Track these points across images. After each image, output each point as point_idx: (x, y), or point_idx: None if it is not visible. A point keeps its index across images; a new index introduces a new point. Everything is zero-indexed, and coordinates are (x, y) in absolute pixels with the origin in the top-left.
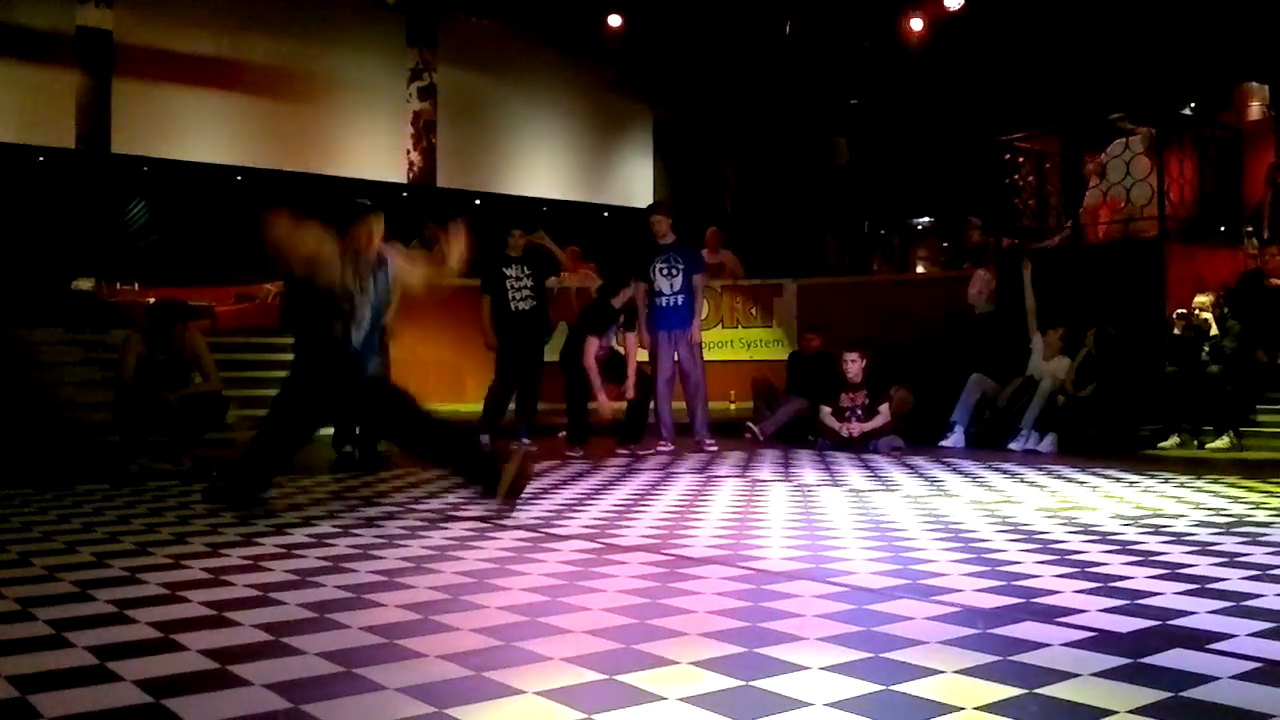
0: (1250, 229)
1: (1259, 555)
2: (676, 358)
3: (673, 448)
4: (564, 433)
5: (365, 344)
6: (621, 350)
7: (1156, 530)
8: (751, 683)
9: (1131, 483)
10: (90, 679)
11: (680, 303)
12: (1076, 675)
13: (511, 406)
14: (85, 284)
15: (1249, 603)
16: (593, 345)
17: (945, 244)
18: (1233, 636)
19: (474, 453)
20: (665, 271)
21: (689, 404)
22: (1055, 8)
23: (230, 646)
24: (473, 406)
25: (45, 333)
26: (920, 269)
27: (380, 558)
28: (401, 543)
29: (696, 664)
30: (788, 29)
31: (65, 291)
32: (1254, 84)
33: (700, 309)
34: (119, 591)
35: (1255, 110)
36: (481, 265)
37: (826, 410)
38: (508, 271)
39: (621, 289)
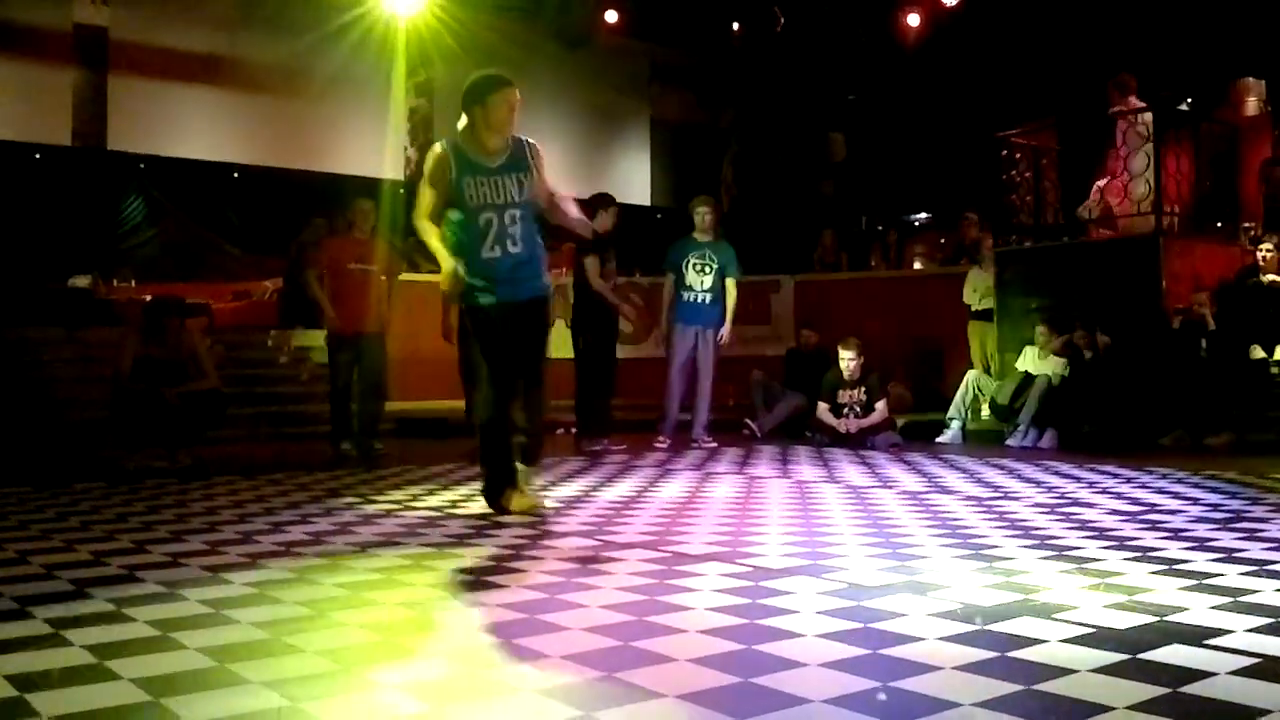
0: (1247, 225)
1: (1257, 551)
2: (694, 353)
3: (670, 442)
4: (574, 429)
5: (527, 259)
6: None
7: (1154, 526)
8: (750, 679)
9: (1129, 478)
10: (89, 677)
11: (708, 300)
12: (1075, 671)
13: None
14: (82, 281)
15: (1247, 598)
16: (594, 265)
17: (942, 240)
18: (1230, 632)
19: (508, 451)
20: (699, 267)
21: (696, 401)
22: (1051, 3)
23: (228, 644)
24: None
25: (42, 330)
26: (917, 265)
27: (378, 555)
28: (400, 540)
29: (695, 661)
30: (780, 23)
31: (62, 289)
32: (1250, 79)
33: (732, 310)
34: (117, 589)
35: (1252, 105)
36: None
37: (824, 407)
38: None
39: (599, 210)
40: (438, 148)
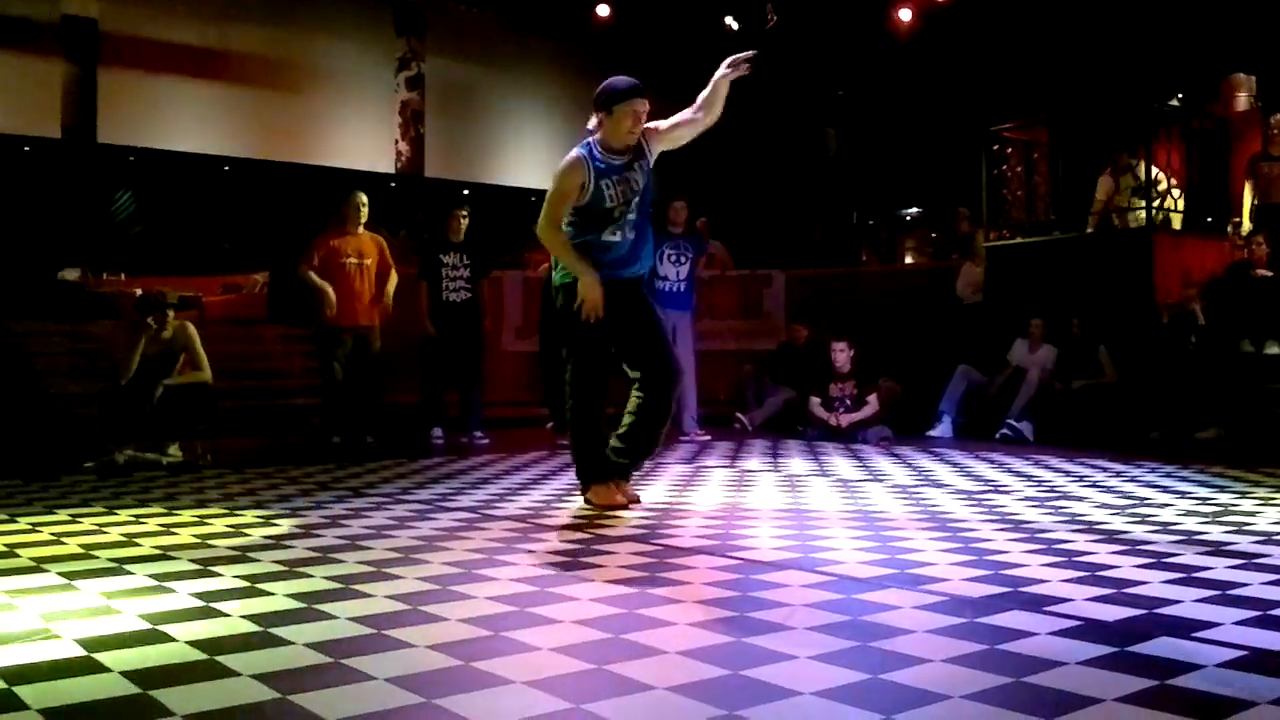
0: (1237, 220)
1: (1245, 544)
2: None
3: None
4: (551, 423)
5: (638, 244)
6: None
7: (1144, 519)
8: (740, 672)
9: (1119, 472)
10: (78, 670)
11: (683, 289)
12: (1063, 664)
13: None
14: (71, 274)
15: (1235, 591)
16: None
17: (934, 234)
18: (1219, 625)
19: (599, 446)
20: (674, 259)
21: (680, 394)
22: None
23: (218, 637)
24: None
25: (31, 324)
26: (909, 259)
27: (368, 548)
28: (390, 533)
29: (684, 653)
30: (771, 18)
31: (51, 282)
32: (1241, 75)
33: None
34: (106, 583)
35: (1242, 101)
36: (422, 249)
37: (815, 400)
38: (445, 259)
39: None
40: (575, 155)
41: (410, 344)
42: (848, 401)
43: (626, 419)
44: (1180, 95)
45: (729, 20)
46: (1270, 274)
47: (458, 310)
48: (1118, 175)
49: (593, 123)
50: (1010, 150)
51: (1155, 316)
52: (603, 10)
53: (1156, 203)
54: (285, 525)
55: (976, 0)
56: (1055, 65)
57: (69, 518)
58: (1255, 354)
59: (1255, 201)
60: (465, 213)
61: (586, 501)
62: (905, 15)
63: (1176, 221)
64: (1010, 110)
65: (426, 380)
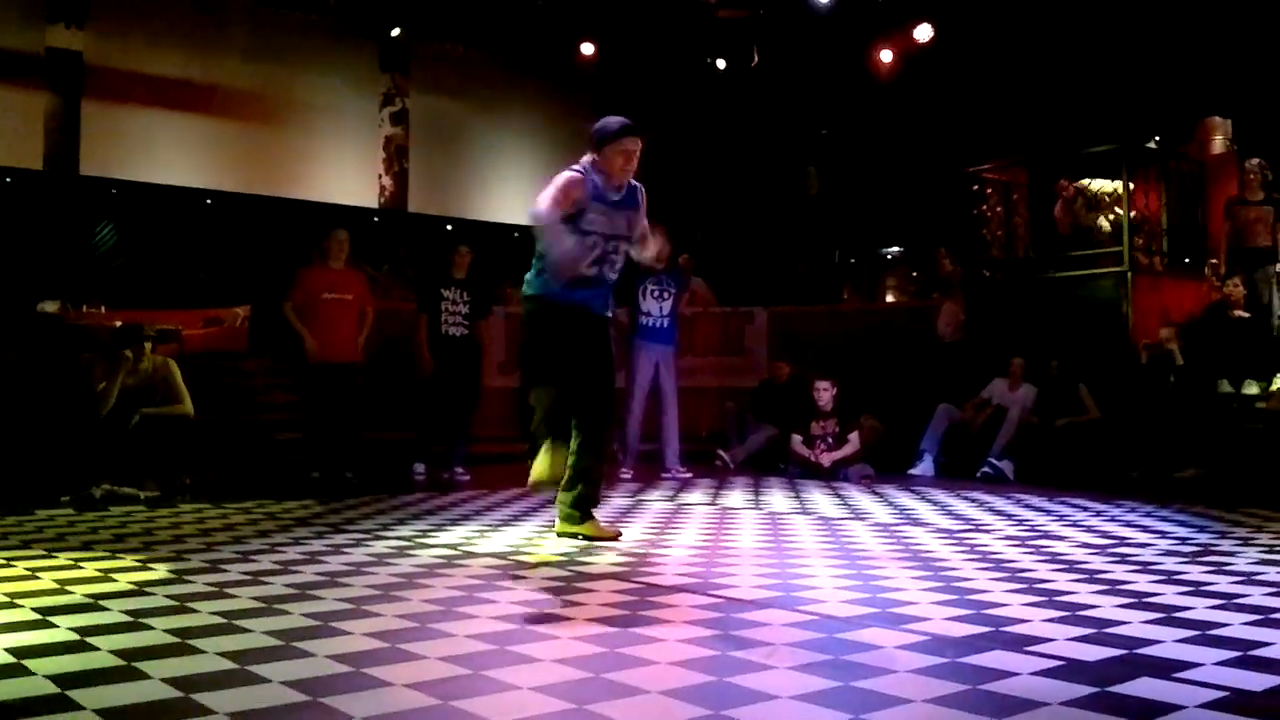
0: (1214, 261)
1: (1225, 584)
2: (655, 377)
3: (633, 473)
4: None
5: (611, 289)
6: None
7: (1123, 559)
8: (721, 712)
9: (1099, 511)
10: (50, 708)
11: (666, 325)
12: (1045, 704)
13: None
14: (51, 306)
15: (1215, 631)
16: None
17: (914, 273)
18: (1199, 665)
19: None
20: (657, 294)
21: (663, 430)
22: (1022, 42)
23: (194, 674)
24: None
25: (9, 355)
26: (890, 298)
27: (347, 585)
28: (369, 570)
29: (666, 693)
30: (755, 58)
31: (30, 314)
32: (1217, 118)
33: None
34: (82, 618)
35: (1218, 144)
36: (421, 282)
37: (797, 438)
38: (445, 293)
39: None
40: (577, 174)
41: (393, 379)
42: (829, 439)
43: (570, 459)
44: (1157, 138)
45: (714, 59)
46: (1247, 315)
47: (455, 345)
48: (1062, 196)
49: (588, 159)
50: (990, 190)
51: (1134, 356)
52: (587, 48)
53: (1139, 245)
54: (263, 561)
55: (957, 42)
56: (1034, 107)
57: (44, 552)
58: (1233, 394)
59: (1232, 244)
60: (467, 249)
61: (579, 537)
62: (886, 56)
63: (1158, 264)
64: (990, 151)
65: (423, 413)
